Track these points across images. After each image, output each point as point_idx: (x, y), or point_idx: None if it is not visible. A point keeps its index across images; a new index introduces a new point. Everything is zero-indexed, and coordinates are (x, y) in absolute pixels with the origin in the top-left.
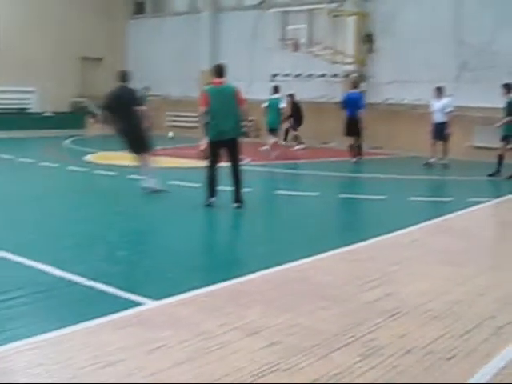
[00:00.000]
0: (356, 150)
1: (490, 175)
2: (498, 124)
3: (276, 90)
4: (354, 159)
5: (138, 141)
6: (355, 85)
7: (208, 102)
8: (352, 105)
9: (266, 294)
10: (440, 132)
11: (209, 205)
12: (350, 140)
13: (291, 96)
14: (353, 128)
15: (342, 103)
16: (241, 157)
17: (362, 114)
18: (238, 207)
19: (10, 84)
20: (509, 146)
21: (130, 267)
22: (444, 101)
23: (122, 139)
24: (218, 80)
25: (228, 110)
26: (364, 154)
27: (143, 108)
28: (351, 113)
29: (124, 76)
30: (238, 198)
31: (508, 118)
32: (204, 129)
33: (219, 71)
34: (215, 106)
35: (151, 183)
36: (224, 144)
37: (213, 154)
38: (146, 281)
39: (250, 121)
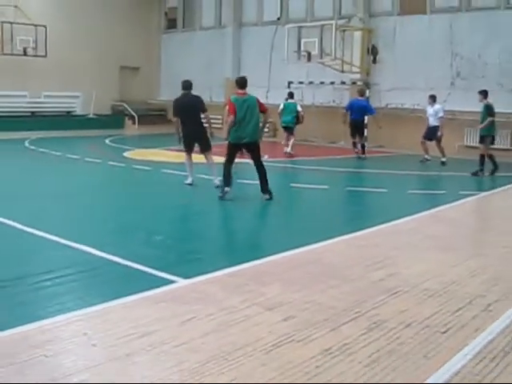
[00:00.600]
0: (359, 148)
1: (474, 174)
2: (480, 126)
3: (291, 95)
4: (356, 154)
5: (201, 141)
6: (361, 93)
7: (235, 110)
8: (358, 110)
9: (284, 273)
10: (433, 134)
11: (222, 196)
12: (354, 139)
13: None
14: (357, 130)
15: (347, 108)
16: (261, 155)
17: (377, 116)
18: (269, 198)
19: (59, 89)
20: (487, 145)
21: (165, 250)
22: (436, 107)
23: (187, 140)
24: (241, 91)
25: (250, 118)
26: (366, 152)
27: (206, 113)
28: (356, 117)
29: (187, 84)
30: (266, 190)
31: (489, 119)
32: (227, 132)
33: (242, 83)
34: (240, 114)
35: (217, 181)
36: (243, 146)
37: (231, 154)
38: (178, 262)
39: (269, 123)
